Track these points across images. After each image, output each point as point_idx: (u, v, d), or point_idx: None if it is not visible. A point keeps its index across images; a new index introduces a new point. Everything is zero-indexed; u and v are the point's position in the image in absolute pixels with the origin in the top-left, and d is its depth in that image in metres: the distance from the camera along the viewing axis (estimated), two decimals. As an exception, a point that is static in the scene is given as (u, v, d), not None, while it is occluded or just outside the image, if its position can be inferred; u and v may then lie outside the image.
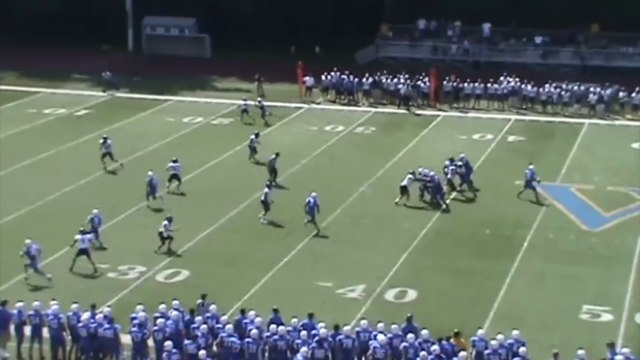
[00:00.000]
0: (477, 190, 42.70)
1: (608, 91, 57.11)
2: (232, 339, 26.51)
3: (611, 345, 26.03)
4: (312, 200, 38.30)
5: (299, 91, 60.19)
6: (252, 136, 47.78)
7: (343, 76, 59.90)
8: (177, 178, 42.86)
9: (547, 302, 32.35)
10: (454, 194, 42.34)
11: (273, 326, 26.95)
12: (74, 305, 28.16)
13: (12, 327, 28.16)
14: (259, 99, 56.22)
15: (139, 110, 57.46)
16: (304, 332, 26.69)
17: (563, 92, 57.35)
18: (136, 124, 54.91)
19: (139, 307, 28.02)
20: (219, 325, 27.22)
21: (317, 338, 26.27)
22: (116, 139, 50.17)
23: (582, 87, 57.64)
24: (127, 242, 37.17)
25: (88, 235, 34.74)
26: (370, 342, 26.45)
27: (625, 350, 25.91)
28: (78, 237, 34.32)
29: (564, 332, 30.00)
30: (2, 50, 68.51)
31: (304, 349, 25.78)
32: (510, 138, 52.13)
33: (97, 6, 73.83)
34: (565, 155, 48.85)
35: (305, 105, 58.79)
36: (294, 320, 27.52)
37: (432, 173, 41.62)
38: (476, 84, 58.72)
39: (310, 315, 27.82)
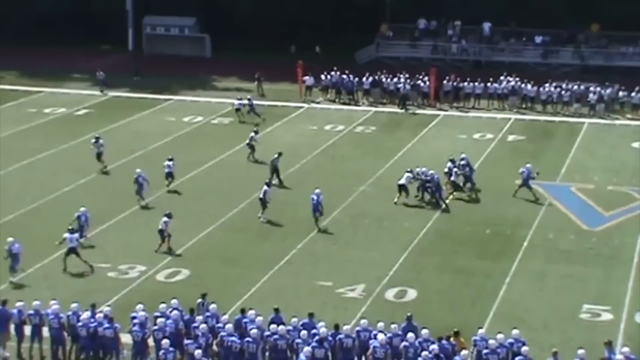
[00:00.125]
0: (478, 190, 42.67)
1: (608, 91, 57.11)
2: (232, 338, 26.51)
3: (609, 344, 26.03)
4: (314, 197, 38.41)
5: (299, 91, 60.19)
6: (252, 133, 47.82)
7: (343, 76, 59.92)
8: (172, 176, 42.87)
9: (547, 302, 32.36)
10: (455, 194, 42.34)
11: (273, 325, 26.96)
12: (74, 305, 28.15)
13: (12, 327, 28.16)
14: (248, 97, 56.14)
15: (139, 109, 57.47)
16: (304, 332, 26.70)
17: (563, 92, 57.35)
18: (136, 123, 54.90)
19: (139, 306, 28.01)
20: (220, 325, 27.23)
21: (317, 337, 26.27)
22: (116, 138, 50.36)
23: (582, 87, 57.63)
24: (127, 241, 37.18)
25: (76, 235, 34.64)
26: (371, 341, 26.46)
27: (625, 349, 25.91)
28: (66, 235, 34.25)
29: (564, 332, 30.01)
30: (3, 50, 68.50)
31: (307, 348, 25.76)
32: (510, 137, 52.13)
33: (98, 6, 73.80)
34: (566, 154, 48.86)
35: (305, 105, 58.80)
36: (294, 319, 27.53)
37: (431, 172, 41.59)
38: (476, 84, 58.73)
39: (311, 315, 27.84)
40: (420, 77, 59.06)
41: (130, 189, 41.16)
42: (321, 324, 26.78)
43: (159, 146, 49.59)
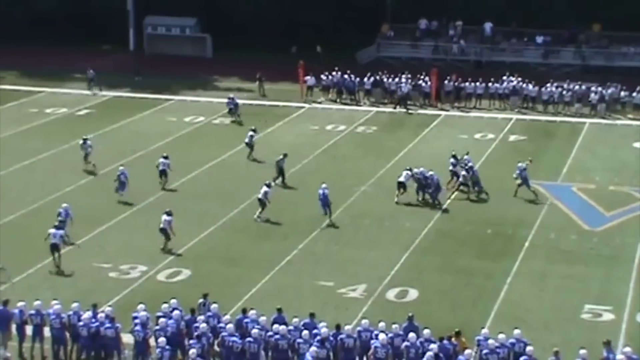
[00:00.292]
0: (486, 193, 42.58)
1: (609, 91, 57.07)
2: (233, 338, 26.50)
3: (607, 344, 26.02)
4: (321, 193, 38.44)
5: (300, 91, 60.17)
6: (250, 132, 47.82)
7: (344, 76, 59.92)
8: (165, 174, 42.83)
9: (549, 302, 32.34)
10: (455, 194, 42.34)
11: (275, 325, 26.96)
12: (75, 305, 28.15)
13: (13, 327, 28.15)
14: (231, 95, 56.15)
15: (140, 109, 57.45)
16: (305, 332, 26.70)
17: (564, 92, 57.30)
18: (137, 123, 54.89)
19: (141, 306, 28.01)
20: (221, 325, 27.22)
21: (318, 337, 26.27)
22: (118, 138, 50.36)
23: (584, 87, 57.59)
24: (128, 241, 37.18)
25: (60, 231, 34.62)
26: (372, 341, 26.45)
27: (627, 349, 25.91)
28: (51, 231, 34.22)
29: (565, 332, 30.01)
30: (3, 50, 68.49)
31: (313, 348, 25.74)
32: (512, 137, 52.12)
33: (98, 6, 73.76)
34: (567, 154, 48.85)
35: (307, 105, 58.78)
36: (296, 319, 27.52)
37: (429, 173, 41.54)
38: (477, 84, 58.69)
39: (312, 315, 27.84)
40: (422, 77, 59.05)
41: (130, 189, 41.18)
42: (322, 324, 26.79)
43: (160, 146, 49.52)
